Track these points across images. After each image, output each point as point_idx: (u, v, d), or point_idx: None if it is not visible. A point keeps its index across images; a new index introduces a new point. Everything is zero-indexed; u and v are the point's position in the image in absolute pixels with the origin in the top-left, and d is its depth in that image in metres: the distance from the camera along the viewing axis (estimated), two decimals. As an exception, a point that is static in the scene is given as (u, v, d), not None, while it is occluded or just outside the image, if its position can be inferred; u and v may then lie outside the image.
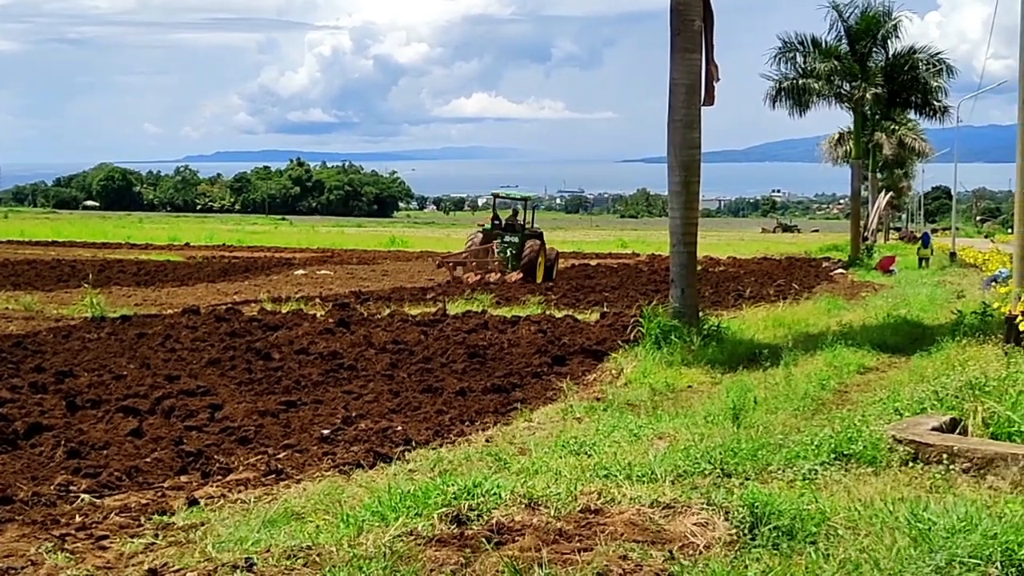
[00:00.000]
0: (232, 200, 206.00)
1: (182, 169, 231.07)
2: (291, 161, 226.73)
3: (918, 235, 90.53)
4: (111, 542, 7.00)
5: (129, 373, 13.98)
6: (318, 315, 21.30)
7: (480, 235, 36.58)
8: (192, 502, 8.03)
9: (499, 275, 33.71)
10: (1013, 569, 5.78)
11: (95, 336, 17.69)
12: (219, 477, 9.04)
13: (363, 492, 7.71)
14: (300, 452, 9.91)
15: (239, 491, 8.44)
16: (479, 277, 33.53)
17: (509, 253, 35.29)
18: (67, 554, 6.68)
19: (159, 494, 8.44)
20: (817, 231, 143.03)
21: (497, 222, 37.36)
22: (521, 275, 33.99)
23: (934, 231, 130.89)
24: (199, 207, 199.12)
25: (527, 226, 37.11)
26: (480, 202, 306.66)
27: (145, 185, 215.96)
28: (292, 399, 12.55)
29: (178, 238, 65.07)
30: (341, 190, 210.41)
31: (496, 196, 41.05)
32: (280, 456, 9.73)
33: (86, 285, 23.91)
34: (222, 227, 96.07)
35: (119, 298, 25.95)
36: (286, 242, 66.77)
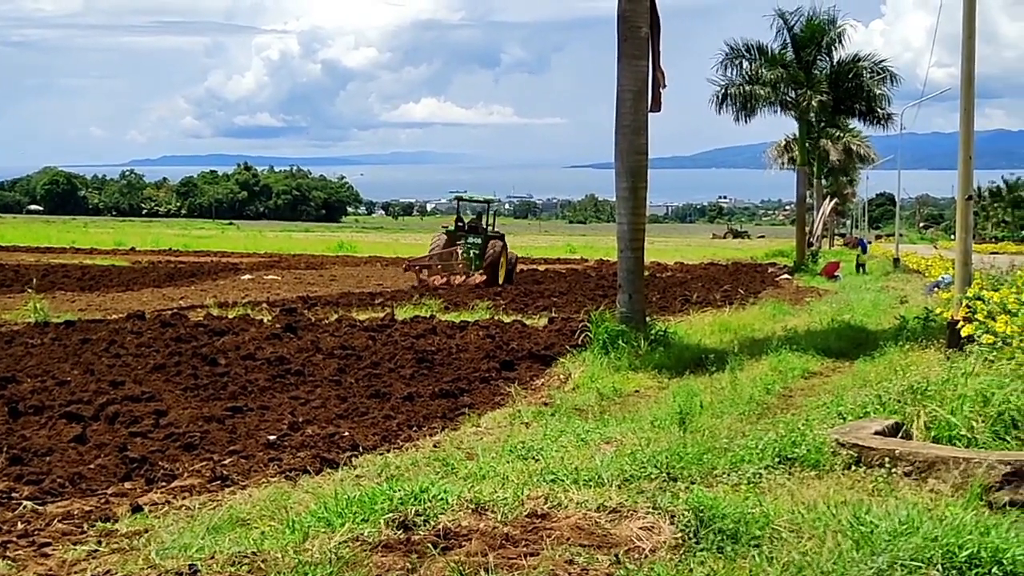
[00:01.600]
0: (178, 204, 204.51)
1: (128, 173, 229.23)
2: (238, 165, 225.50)
3: (868, 240, 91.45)
4: (53, 549, 6.93)
5: (73, 379, 13.84)
6: (265, 320, 21.18)
7: (444, 237, 37.10)
8: (136, 509, 7.96)
9: (464, 277, 34.49)
10: (954, 571, 5.85)
11: (38, 342, 17.50)
12: (163, 483, 8.97)
13: (309, 498, 7.68)
14: (246, 458, 9.85)
15: (184, 497, 8.38)
16: (445, 279, 34.31)
17: (472, 255, 35.96)
18: (8, 562, 6.61)
19: (102, 501, 8.36)
20: (763, 237, 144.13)
21: (460, 224, 38.21)
22: (485, 277, 34.79)
23: (878, 237, 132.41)
24: (145, 211, 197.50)
25: (488, 229, 37.77)
26: (429, 207, 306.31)
27: (90, 189, 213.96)
28: (238, 405, 12.47)
29: (123, 243, 64.52)
30: (289, 195, 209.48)
31: (459, 199, 41.50)
32: (225, 462, 9.67)
33: (29, 290, 23.66)
34: (168, 232, 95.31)
35: (63, 303, 25.69)
36: (233, 247, 66.38)
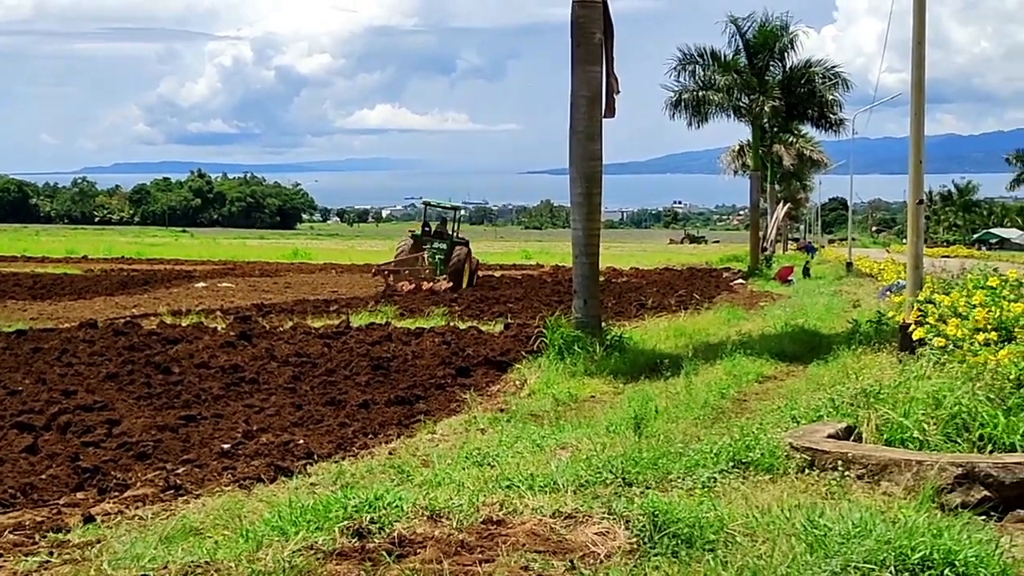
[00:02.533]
0: (131, 212, 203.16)
1: (80, 181, 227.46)
2: (192, 172, 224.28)
3: (815, 245, 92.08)
4: (5, 560, 6.86)
5: (24, 388, 13.71)
6: (219, 328, 21.06)
7: (410, 242, 37.98)
8: (88, 519, 7.89)
9: (431, 282, 35.19)
10: (906, 573, 5.88)
11: (-11, 351, 17.32)
12: (116, 493, 8.89)
13: (263, 507, 7.64)
14: (200, 467, 9.79)
15: (137, 507, 8.31)
16: (414, 285, 34.91)
17: (437, 260, 36.94)
18: (-42, 574, 6.53)
19: (54, 511, 8.27)
20: (718, 242, 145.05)
21: (427, 229, 39.30)
22: (451, 282, 35.70)
23: (831, 241, 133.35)
24: (97, 219, 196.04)
25: (453, 235, 38.88)
26: (384, 214, 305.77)
27: (42, 197, 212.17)
28: (192, 413, 12.39)
29: (76, 251, 63.91)
30: (243, 202, 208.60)
31: (427, 204, 42.84)
32: (179, 471, 9.60)
33: (-21, 299, 23.41)
34: (121, 239, 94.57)
35: (14, 312, 25.42)
36: (187, 254, 65.98)
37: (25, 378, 14.64)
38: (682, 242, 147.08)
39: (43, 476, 9.35)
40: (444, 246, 37.64)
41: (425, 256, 36.99)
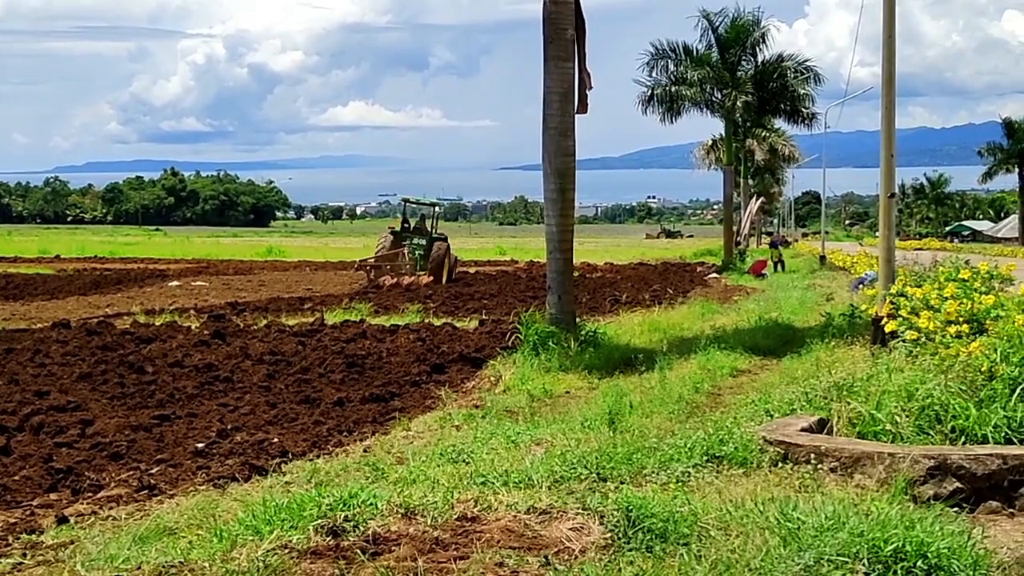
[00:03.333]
0: (104, 211, 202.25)
1: (52, 180, 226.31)
2: (165, 171, 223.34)
3: (790, 239, 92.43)
4: (-23, 563, 6.83)
5: (-4, 389, 13.64)
6: (193, 327, 21.01)
7: (390, 238, 39.07)
8: (62, 520, 7.86)
9: (412, 277, 36.10)
10: (879, 565, 5.91)
11: (-40, 352, 17.22)
12: (90, 494, 8.86)
13: (238, 506, 7.62)
14: (174, 467, 9.77)
15: (110, 508, 8.29)
16: (395, 280, 35.79)
17: (417, 255, 38.06)
18: (-70, 577, 6.50)
19: (28, 512, 8.25)
20: (692, 236, 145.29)
21: (406, 226, 40.51)
22: (432, 277, 36.58)
23: (804, 235, 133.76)
24: (70, 218, 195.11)
25: (432, 230, 39.96)
26: (358, 211, 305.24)
27: (13, 196, 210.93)
28: (166, 413, 12.37)
29: (48, 250, 63.56)
30: (216, 200, 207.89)
31: (406, 201, 44.33)
32: (153, 471, 9.58)
33: (-49, 300, 23.26)
34: (94, 239, 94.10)
35: (-14, 312, 25.28)
36: (160, 253, 65.71)
37: (-3, 379, 14.57)
38: (658, 236, 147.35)
39: (16, 477, 9.32)
40: (423, 242, 38.56)
41: (405, 252, 37.87)
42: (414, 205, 44.43)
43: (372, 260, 38.51)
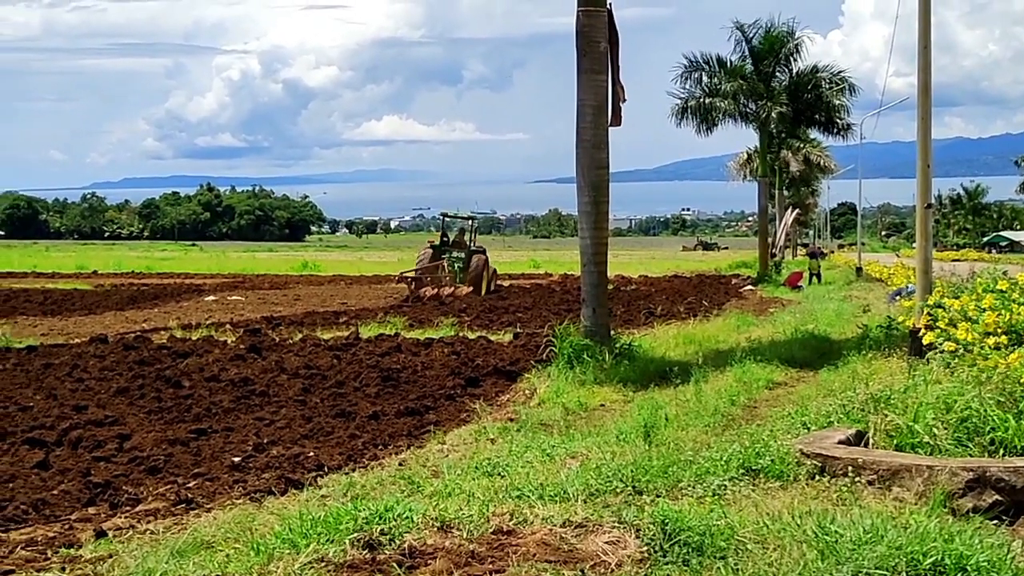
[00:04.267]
0: (141, 227, 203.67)
1: (89, 196, 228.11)
2: (200, 186, 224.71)
3: (825, 251, 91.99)
4: (17, 577, 6.88)
5: (35, 404, 13.74)
6: (229, 341, 21.09)
7: (429, 251, 39.94)
8: (100, 534, 7.91)
9: (452, 288, 36.91)
10: (918, 579, 5.88)
11: (0, 367, 17.35)
12: (128, 508, 8.91)
13: (274, 519, 7.64)
14: (211, 480, 9.81)
15: (148, 522, 8.33)
16: (436, 291, 36.61)
17: (457, 268, 39.00)
18: (-29, 591, 6.55)
19: (66, 527, 8.30)
20: (727, 248, 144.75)
21: (445, 239, 41.65)
22: (471, 288, 37.56)
23: (840, 246, 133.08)
24: (107, 234, 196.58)
25: (471, 244, 41.11)
26: (393, 224, 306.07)
27: (51, 213, 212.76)
28: (203, 427, 12.42)
29: (85, 266, 64.05)
30: (252, 215, 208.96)
31: (445, 216, 45.10)
32: (190, 485, 9.62)
33: (-10, 315, 23.46)
34: (131, 254, 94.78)
35: (25, 328, 25.48)
36: (196, 268, 66.09)
37: (36, 394, 14.68)
38: (695, 249, 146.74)
39: (55, 491, 9.38)
40: (462, 255, 39.60)
41: (445, 264, 38.85)
42: (452, 219, 45.43)
43: (413, 272, 39.28)
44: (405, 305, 33.18)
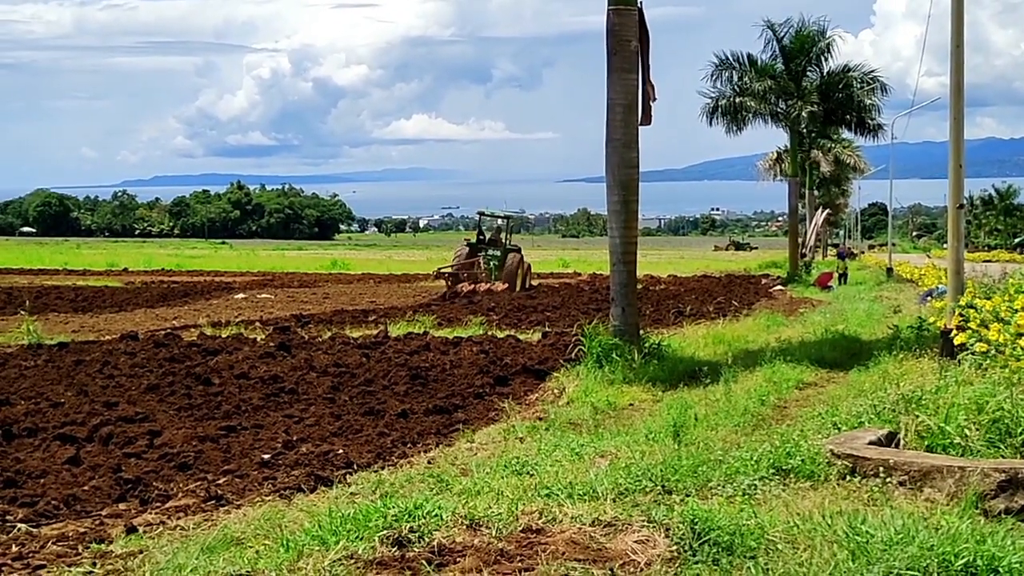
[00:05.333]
0: (171, 224, 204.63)
1: (120, 194, 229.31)
2: (231, 184, 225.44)
3: (855, 251, 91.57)
4: (48, 571, 6.92)
5: (66, 400, 13.81)
6: (258, 339, 21.16)
7: (466, 249, 41.52)
8: (130, 530, 7.94)
9: (488, 284, 38.27)
10: (950, 580, 5.84)
11: (31, 363, 17.45)
12: (158, 504, 8.95)
13: (304, 516, 7.67)
14: (240, 477, 9.84)
15: (178, 518, 8.36)
16: (472, 287, 38.00)
17: (492, 265, 40.24)
18: (3, 585, 6.59)
19: (97, 522, 8.34)
20: (756, 248, 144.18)
21: (481, 238, 42.81)
22: (507, 284, 38.82)
23: (871, 247, 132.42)
24: (138, 232, 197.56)
25: (506, 242, 42.52)
26: (422, 223, 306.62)
27: (82, 210, 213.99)
28: (232, 424, 12.46)
29: (116, 263, 64.39)
30: (281, 213, 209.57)
31: (481, 215, 46.27)
32: (220, 482, 9.66)
33: (22, 312, 23.61)
34: (161, 252, 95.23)
35: (56, 325, 25.62)
36: (226, 266, 66.32)
37: (67, 390, 14.75)
38: (727, 249, 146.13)
39: (86, 487, 9.42)
40: (498, 253, 40.90)
41: (481, 261, 40.27)
42: (489, 218, 46.14)
43: (451, 268, 40.52)
44: (434, 304, 33.28)
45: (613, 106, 18.88)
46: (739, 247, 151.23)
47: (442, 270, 41.79)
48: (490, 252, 40.99)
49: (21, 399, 13.94)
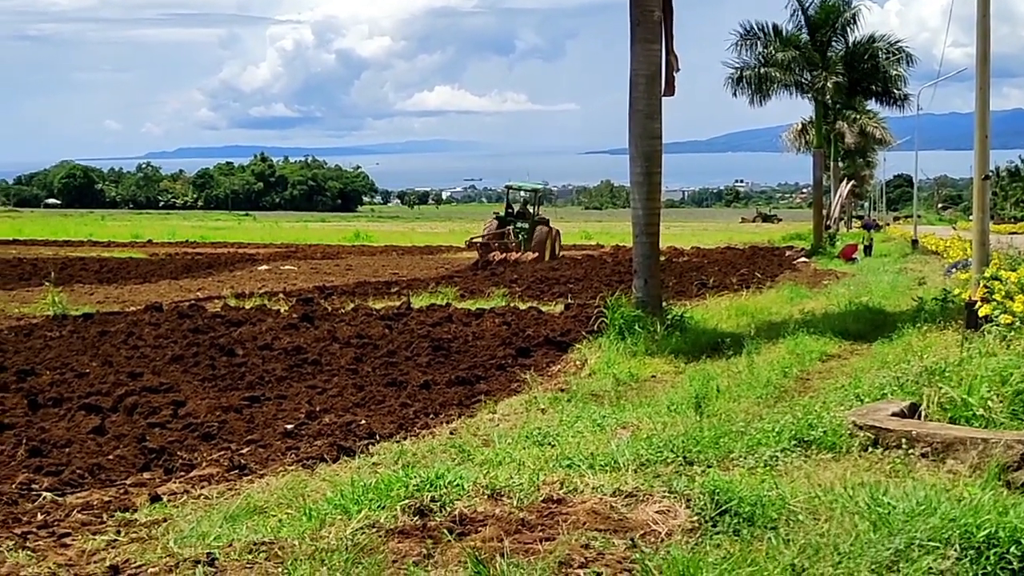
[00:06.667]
0: (195, 196, 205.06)
1: (144, 166, 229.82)
2: (254, 156, 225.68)
3: (879, 223, 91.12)
4: (73, 539, 6.97)
5: (91, 371, 13.91)
6: (282, 310, 21.24)
7: (495, 222, 43.01)
8: (155, 499, 8.00)
9: (518, 254, 39.63)
10: (971, 551, 5.82)
11: (57, 334, 17.58)
12: (182, 473, 9.01)
13: (326, 486, 7.71)
14: (263, 447, 9.90)
15: (202, 487, 8.42)
16: (503, 256, 39.77)
17: (521, 237, 41.63)
18: (29, 552, 6.64)
19: (121, 491, 8.40)
20: (782, 220, 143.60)
21: (510, 210, 44.44)
22: (536, 254, 40.48)
23: (896, 219, 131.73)
24: (162, 204, 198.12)
25: (535, 214, 44.02)
26: (444, 195, 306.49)
27: (107, 182, 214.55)
28: (256, 394, 12.52)
29: (141, 235, 64.69)
30: (305, 185, 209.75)
31: (509, 188, 47.70)
32: (243, 451, 9.71)
33: (48, 283, 23.75)
34: (185, 223, 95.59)
35: (81, 296, 25.78)
36: (249, 238, 66.56)
37: (92, 361, 14.86)
38: (754, 220, 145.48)
39: (110, 457, 9.49)
40: (526, 225, 42.34)
41: (511, 232, 41.61)
42: (517, 191, 47.14)
43: (481, 239, 41.86)
44: (457, 276, 33.39)
45: (636, 77, 18.81)
46: (766, 219, 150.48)
47: (473, 239, 43.27)
48: (519, 224, 42.29)
49: (47, 369, 14.05)
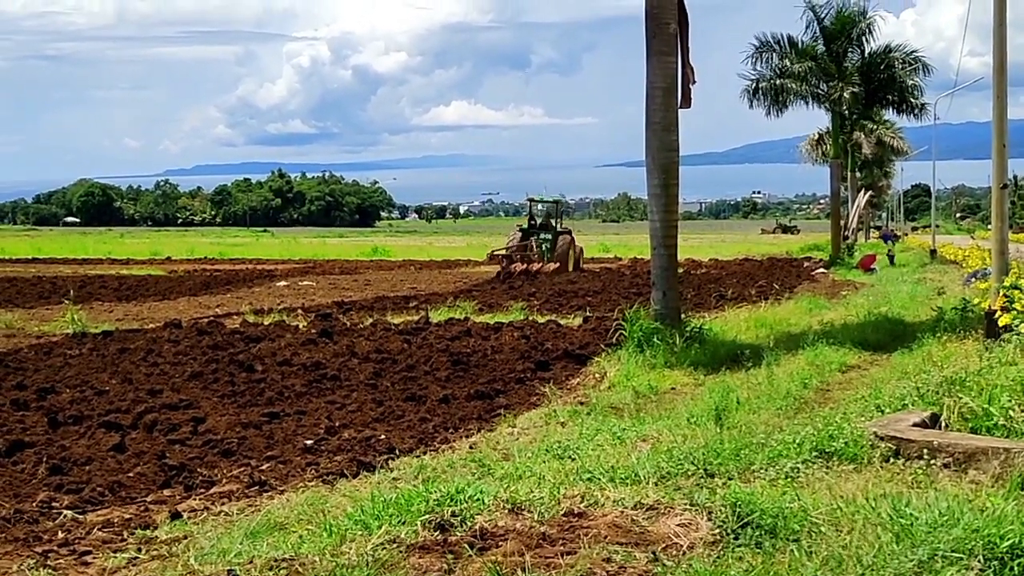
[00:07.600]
0: (213, 213, 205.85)
1: (162, 183, 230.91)
2: (272, 173, 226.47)
3: (898, 233, 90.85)
4: (94, 557, 6.98)
5: (111, 388, 13.95)
6: (300, 326, 21.26)
7: (519, 233, 43.65)
8: (175, 516, 8.01)
9: (540, 265, 39.82)
10: (995, 562, 5.78)
11: (77, 352, 17.63)
12: (202, 490, 9.01)
13: (346, 501, 7.70)
14: (283, 463, 9.89)
15: (222, 504, 8.41)
16: (525, 267, 40.07)
17: (544, 248, 42.38)
18: (49, 570, 6.66)
19: (142, 508, 8.41)
20: (800, 231, 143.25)
21: (533, 222, 44.82)
22: (558, 264, 41.39)
23: (914, 229, 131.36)
24: (180, 221, 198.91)
25: (557, 226, 44.83)
26: (462, 209, 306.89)
27: (125, 200, 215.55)
28: (275, 410, 12.52)
29: (159, 252, 64.91)
30: (322, 200, 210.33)
31: (531, 200, 48.51)
32: (263, 468, 9.71)
33: (67, 301, 23.84)
34: (203, 240, 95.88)
35: (100, 313, 25.86)
36: (268, 254, 66.68)
37: (112, 378, 14.89)
38: (773, 232, 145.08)
39: (130, 474, 9.51)
40: (549, 236, 43.10)
41: (533, 244, 42.13)
42: (539, 203, 47.86)
43: (504, 251, 42.53)
44: (475, 289, 33.35)
45: (652, 89, 18.81)
46: (786, 230, 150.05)
47: (496, 252, 43.82)
48: (542, 235, 42.95)
49: (66, 387, 14.09)
